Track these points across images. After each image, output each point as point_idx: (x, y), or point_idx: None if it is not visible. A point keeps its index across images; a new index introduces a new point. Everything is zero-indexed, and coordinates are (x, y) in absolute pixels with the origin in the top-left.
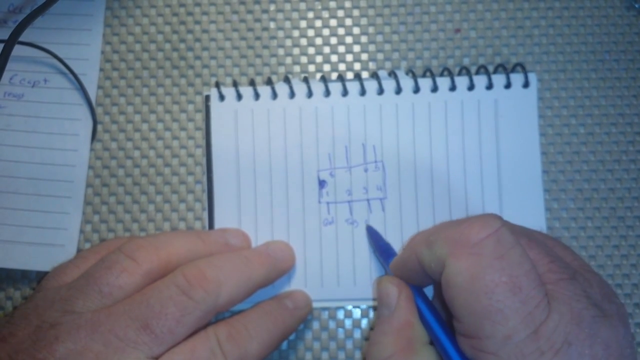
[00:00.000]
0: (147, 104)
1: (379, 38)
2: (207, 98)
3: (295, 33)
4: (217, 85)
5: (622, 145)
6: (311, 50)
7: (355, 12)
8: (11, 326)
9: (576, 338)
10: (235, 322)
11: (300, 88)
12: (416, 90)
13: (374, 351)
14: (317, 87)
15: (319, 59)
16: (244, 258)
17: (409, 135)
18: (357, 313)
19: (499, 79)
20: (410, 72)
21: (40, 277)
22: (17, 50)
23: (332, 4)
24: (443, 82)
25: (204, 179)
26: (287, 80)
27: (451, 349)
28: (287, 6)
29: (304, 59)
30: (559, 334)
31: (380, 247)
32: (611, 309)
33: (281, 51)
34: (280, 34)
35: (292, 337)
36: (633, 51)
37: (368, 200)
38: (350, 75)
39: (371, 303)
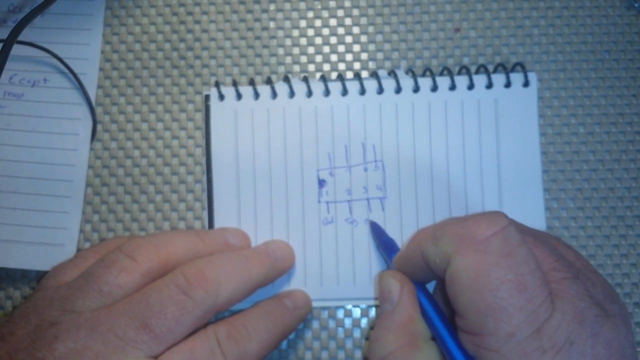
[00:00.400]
0: (147, 103)
1: (379, 37)
2: (207, 97)
3: (295, 32)
4: (217, 84)
5: (621, 144)
6: (311, 50)
7: (355, 12)
8: (11, 325)
9: (578, 337)
10: (234, 322)
11: (300, 87)
12: (416, 89)
13: (375, 347)
14: (317, 87)
15: (318, 58)
16: (243, 257)
17: (409, 134)
18: (356, 312)
19: (498, 79)
20: (410, 71)
21: (40, 276)
22: (17, 49)
23: (332, 4)
24: (443, 82)
25: (204, 179)
26: (286, 79)
27: (453, 346)
28: (287, 6)
29: (303, 59)
30: (562, 332)
31: (383, 242)
32: (613, 309)
33: (281, 51)
34: (280, 33)
35: (291, 336)
36: (633, 51)
37: (368, 199)
38: (350, 74)
39: (371, 302)
